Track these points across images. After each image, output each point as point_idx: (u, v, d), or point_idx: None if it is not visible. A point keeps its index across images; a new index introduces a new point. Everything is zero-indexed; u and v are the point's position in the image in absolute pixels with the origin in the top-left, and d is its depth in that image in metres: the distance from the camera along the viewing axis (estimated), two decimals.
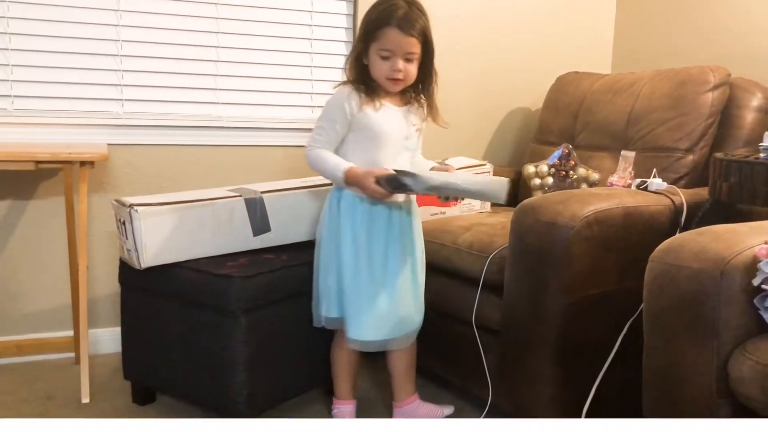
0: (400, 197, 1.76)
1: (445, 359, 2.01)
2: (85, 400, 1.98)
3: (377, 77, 1.70)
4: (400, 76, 1.68)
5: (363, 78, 1.71)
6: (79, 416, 1.89)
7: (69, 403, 1.97)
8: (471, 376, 1.91)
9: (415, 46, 1.67)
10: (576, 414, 1.71)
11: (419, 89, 1.77)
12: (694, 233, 1.29)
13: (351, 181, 1.68)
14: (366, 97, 1.70)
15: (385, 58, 1.67)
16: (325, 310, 1.78)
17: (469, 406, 2.01)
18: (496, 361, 1.82)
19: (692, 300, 1.17)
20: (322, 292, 1.79)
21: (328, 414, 1.94)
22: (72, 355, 2.28)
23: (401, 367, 1.87)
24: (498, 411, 1.87)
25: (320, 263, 1.79)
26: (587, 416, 1.72)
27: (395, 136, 1.75)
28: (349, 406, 1.89)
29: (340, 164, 1.70)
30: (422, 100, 1.78)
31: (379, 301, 1.72)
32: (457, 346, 1.94)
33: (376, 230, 1.74)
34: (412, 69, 1.70)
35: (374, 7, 1.69)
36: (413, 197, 1.82)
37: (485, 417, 1.90)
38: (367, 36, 1.68)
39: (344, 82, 1.74)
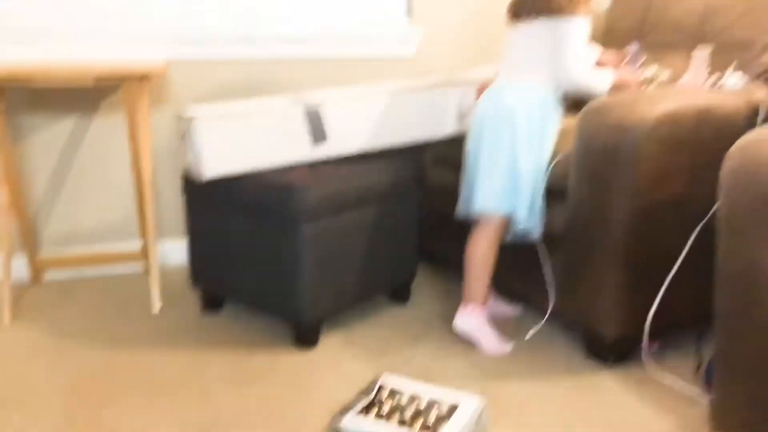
0: None
1: (507, 267, 1.99)
2: (156, 308, 2.06)
3: None
4: None
5: None
6: (153, 323, 1.97)
7: (141, 312, 2.05)
8: (533, 283, 1.89)
9: None
10: (640, 321, 1.69)
11: None
12: None
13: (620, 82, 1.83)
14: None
15: None
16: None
17: (531, 313, 2.01)
18: (559, 268, 1.80)
19: None
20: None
21: (393, 323, 1.97)
22: (139, 266, 2.36)
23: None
24: (559, 318, 1.87)
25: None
26: (652, 324, 1.69)
27: None
28: (487, 312, 1.87)
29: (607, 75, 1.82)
30: None
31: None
32: (518, 253, 1.91)
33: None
34: None
35: None
36: None
37: (547, 324, 1.90)
38: None
39: None
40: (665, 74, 1.97)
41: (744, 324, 1.18)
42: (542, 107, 1.78)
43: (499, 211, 1.77)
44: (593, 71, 1.80)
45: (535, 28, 1.77)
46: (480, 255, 1.82)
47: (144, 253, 2.30)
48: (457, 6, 2.63)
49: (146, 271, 2.32)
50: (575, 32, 1.74)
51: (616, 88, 1.79)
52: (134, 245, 2.37)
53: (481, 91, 1.90)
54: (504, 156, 1.74)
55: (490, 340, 1.82)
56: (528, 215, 1.77)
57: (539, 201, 1.77)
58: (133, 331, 1.93)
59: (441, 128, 2.10)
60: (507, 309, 2.03)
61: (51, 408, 1.54)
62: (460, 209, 1.87)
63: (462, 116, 2.09)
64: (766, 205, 1.11)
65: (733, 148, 1.20)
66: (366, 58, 2.53)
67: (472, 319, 1.84)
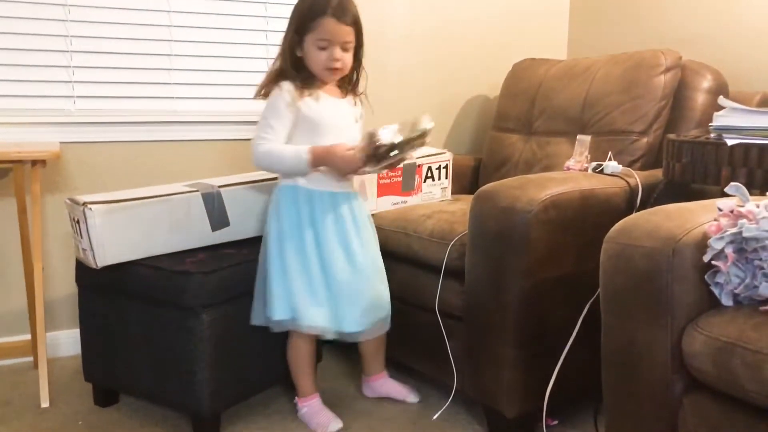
0: (356, 180, 1.82)
1: (410, 347, 2.01)
2: (45, 404, 1.94)
3: (315, 68, 1.72)
4: (339, 65, 1.71)
5: (297, 69, 1.72)
6: (39, 421, 1.85)
7: (28, 408, 1.93)
8: (436, 363, 1.91)
9: (351, 35, 1.70)
10: (539, 398, 1.73)
11: (353, 80, 1.81)
12: (647, 213, 1.31)
13: (319, 159, 1.68)
14: (303, 88, 1.71)
15: (322, 48, 1.69)
16: (281, 312, 1.72)
17: (436, 392, 2.02)
18: (461, 347, 1.83)
19: (646, 278, 1.19)
20: (276, 293, 1.72)
21: (293, 413, 1.93)
22: (30, 359, 2.23)
23: (372, 346, 1.94)
24: (463, 397, 1.89)
25: (279, 262, 1.74)
26: (551, 399, 1.74)
27: (338, 126, 1.76)
28: (316, 400, 1.88)
29: (299, 149, 1.69)
30: (358, 91, 1.82)
31: (360, 291, 1.76)
32: (421, 334, 1.94)
33: (337, 221, 1.77)
34: (349, 58, 1.73)
35: None
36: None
37: (450, 403, 1.91)
38: (302, 27, 1.69)
39: (273, 78, 1.73)
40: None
41: (627, 398, 1.23)
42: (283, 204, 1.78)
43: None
44: (276, 150, 1.71)
45: None
46: (291, 355, 1.86)
47: (33, 345, 2.18)
48: None
49: (35, 364, 2.18)
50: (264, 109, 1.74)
51: (319, 164, 1.71)
52: (24, 337, 2.24)
53: None
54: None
55: (321, 422, 1.83)
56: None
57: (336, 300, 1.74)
58: (19, 428, 1.80)
59: None
60: (403, 391, 1.99)
61: None
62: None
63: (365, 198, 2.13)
64: (642, 287, 1.19)
65: (610, 233, 1.28)
66: None
67: (304, 410, 1.87)
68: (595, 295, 1.72)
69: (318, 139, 1.72)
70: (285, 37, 1.74)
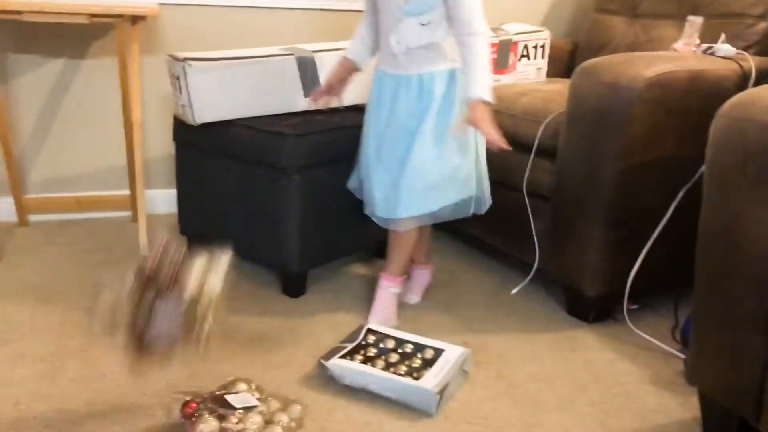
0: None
1: (493, 225, 2.02)
2: (144, 253, 2.06)
3: None
4: None
5: None
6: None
7: (129, 256, 2.05)
8: (518, 242, 1.93)
9: None
10: (622, 281, 1.73)
11: None
12: (763, 88, 1.24)
13: None
14: None
15: None
16: (351, 180, 1.79)
17: (515, 270, 2.04)
18: (545, 226, 1.83)
19: (759, 152, 1.13)
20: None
21: (373, 279, 2.00)
22: (129, 213, 2.36)
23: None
24: (544, 276, 1.90)
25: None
26: (632, 284, 1.73)
27: (390, 6, 1.58)
28: (423, 269, 1.89)
29: (345, 51, 1.76)
30: None
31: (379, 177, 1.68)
32: (505, 213, 1.94)
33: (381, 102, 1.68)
34: None
35: None
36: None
37: (530, 281, 1.93)
38: None
39: None
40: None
41: (723, 277, 1.21)
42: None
43: None
44: None
45: None
46: (390, 233, 1.76)
47: (132, 199, 2.30)
48: None
49: (133, 217, 2.31)
50: None
51: None
52: (122, 192, 2.36)
53: None
54: None
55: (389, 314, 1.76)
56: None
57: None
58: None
59: None
60: (413, 289, 1.90)
61: (42, 341, 1.56)
62: None
63: None
64: (752, 162, 1.14)
65: (725, 106, 1.22)
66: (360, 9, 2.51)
67: (385, 290, 1.78)
68: (692, 181, 1.68)
69: (374, 15, 1.66)
70: None
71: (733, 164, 1.18)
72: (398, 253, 1.75)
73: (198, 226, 2.00)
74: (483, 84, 1.53)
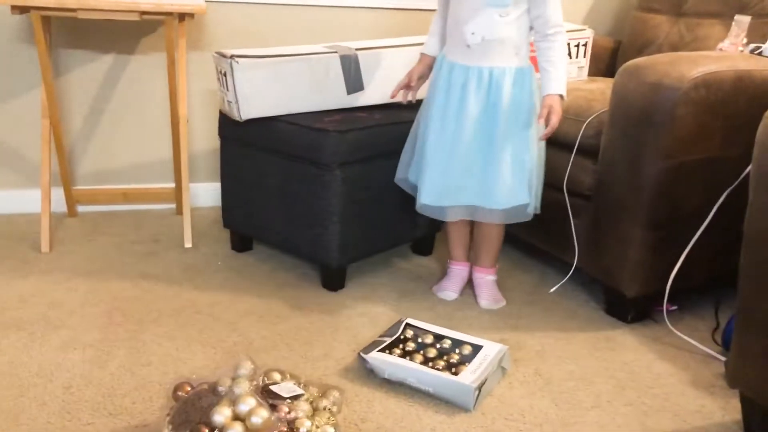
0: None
1: (532, 224, 2.01)
2: (188, 244, 2.11)
3: None
4: None
5: None
6: (184, 258, 2.03)
7: (174, 247, 2.11)
8: (557, 240, 1.93)
9: None
10: (661, 281, 1.72)
11: None
12: None
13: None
14: None
15: None
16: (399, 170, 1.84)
17: (554, 269, 2.05)
18: (584, 225, 1.83)
19: None
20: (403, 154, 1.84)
21: (412, 272, 2.02)
22: (173, 205, 2.42)
23: (480, 234, 1.86)
24: (582, 275, 1.90)
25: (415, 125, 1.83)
26: (672, 285, 1.72)
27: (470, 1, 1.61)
28: (460, 267, 1.91)
29: (423, 47, 1.81)
30: None
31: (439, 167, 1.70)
32: (545, 211, 1.93)
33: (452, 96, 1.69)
34: None
35: None
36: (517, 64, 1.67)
37: (568, 280, 1.93)
38: None
39: None
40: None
41: (767, 281, 1.21)
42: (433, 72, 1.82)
43: None
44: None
45: None
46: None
47: (177, 192, 2.35)
48: None
49: (178, 210, 2.37)
50: None
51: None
52: (167, 184, 2.42)
53: None
54: None
55: (441, 285, 1.92)
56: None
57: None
58: (165, 263, 1.99)
59: None
60: (482, 295, 1.89)
61: (91, 328, 1.61)
62: None
63: None
64: None
65: None
66: (404, 8, 2.53)
67: (449, 270, 1.94)
68: (736, 183, 1.66)
69: (455, 4, 1.67)
70: None
71: None
72: (490, 245, 1.87)
73: (241, 219, 2.05)
74: (562, 80, 1.63)
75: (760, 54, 1.77)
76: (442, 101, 1.70)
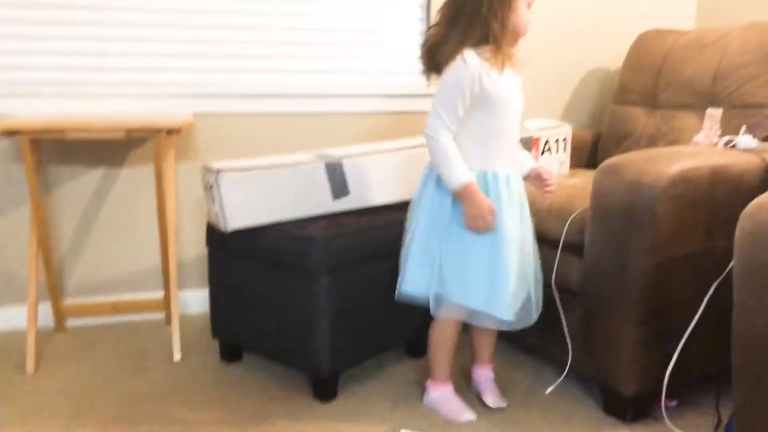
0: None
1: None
2: (177, 357, 2.08)
3: (521, 31, 1.53)
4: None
5: (488, 37, 1.50)
6: (173, 373, 2.00)
7: (162, 360, 2.08)
8: (550, 338, 1.91)
9: None
10: (658, 378, 1.70)
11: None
12: None
13: (466, 198, 1.56)
14: (493, 59, 1.52)
15: (529, 5, 1.53)
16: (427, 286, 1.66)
17: (549, 368, 2.01)
18: (576, 323, 1.81)
19: None
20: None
21: (408, 378, 1.98)
22: (163, 315, 2.40)
23: (479, 332, 1.85)
24: (577, 373, 1.87)
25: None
26: (670, 380, 1.70)
27: (516, 105, 1.62)
28: (450, 388, 1.82)
29: (462, 175, 1.56)
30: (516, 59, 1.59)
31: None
32: None
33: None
34: None
35: None
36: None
37: (564, 379, 1.90)
38: None
39: (457, 47, 1.51)
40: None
41: (761, 381, 1.19)
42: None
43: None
44: (450, 148, 1.57)
45: None
46: (434, 335, 1.78)
47: (166, 302, 2.34)
48: None
49: (167, 320, 2.35)
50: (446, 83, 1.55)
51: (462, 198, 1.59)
52: (156, 294, 2.41)
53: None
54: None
55: (453, 409, 1.77)
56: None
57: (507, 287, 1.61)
58: (154, 380, 1.95)
59: None
60: (495, 395, 1.85)
61: None
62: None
63: None
64: None
65: (748, 208, 1.23)
66: (386, 112, 2.60)
67: (435, 395, 1.81)
68: (722, 275, 1.66)
69: (493, 122, 1.59)
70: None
71: (762, 266, 1.18)
72: (492, 338, 1.84)
73: (230, 329, 2.03)
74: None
75: (733, 147, 1.81)
76: (506, 215, 1.61)
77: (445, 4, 1.58)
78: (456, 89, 1.52)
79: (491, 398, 1.82)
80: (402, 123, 2.60)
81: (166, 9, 2.32)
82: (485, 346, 1.86)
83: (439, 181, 1.63)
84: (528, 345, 2.05)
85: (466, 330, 1.82)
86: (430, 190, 1.67)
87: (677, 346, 1.69)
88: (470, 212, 1.57)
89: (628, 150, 2.35)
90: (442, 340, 1.77)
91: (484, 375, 1.87)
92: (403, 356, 2.11)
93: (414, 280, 1.68)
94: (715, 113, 1.94)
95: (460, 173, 1.56)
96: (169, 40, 2.34)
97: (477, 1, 1.49)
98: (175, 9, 2.32)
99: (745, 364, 1.25)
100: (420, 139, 2.10)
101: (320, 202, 1.95)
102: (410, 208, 1.75)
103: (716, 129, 1.92)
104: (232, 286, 1.98)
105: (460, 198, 1.58)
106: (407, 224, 1.74)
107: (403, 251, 1.72)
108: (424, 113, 2.51)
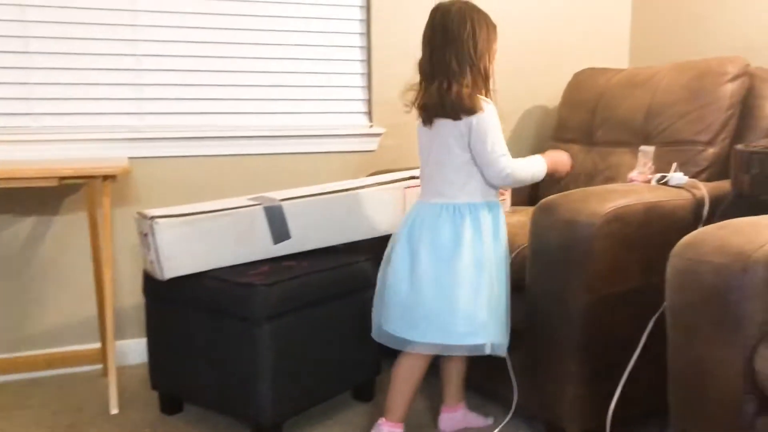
0: None
1: (470, 360, 2.00)
2: (114, 411, 2.00)
3: (491, 82, 1.71)
4: None
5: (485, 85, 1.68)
6: (110, 427, 1.92)
7: (99, 414, 2.00)
8: (496, 376, 1.90)
9: None
10: (603, 414, 1.70)
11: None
12: (715, 227, 1.27)
13: (552, 166, 1.77)
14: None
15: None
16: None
17: (495, 407, 2.00)
18: (521, 361, 1.81)
19: (715, 295, 1.16)
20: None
21: (354, 424, 1.95)
22: (100, 366, 2.31)
23: (458, 369, 1.87)
24: (524, 411, 1.86)
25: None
26: (615, 416, 1.70)
27: None
28: (402, 430, 1.77)
29: (540, 163, 1.75)
30: None
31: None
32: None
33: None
34: None
35: (477, 11, 1.67)
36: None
37: (511, 418, 1.89)
38: (491, 39, 1.68)
39: (472, 93, 1.63)
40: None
41: (695, 418, 1.20)
42: (475, 220, 1.67)
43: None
44: (521, 161, 1.70)
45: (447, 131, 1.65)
46: (402, 373, 1.73)
47: (103, 354, 2.26)
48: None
49: (104, 371, 2.26)
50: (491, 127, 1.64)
51: (551, 171, 1.77)
52: (94, 345, 2.32)
53: None
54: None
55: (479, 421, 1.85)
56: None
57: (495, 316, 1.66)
58: None
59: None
60: (479, 420, 1.93)
61: None
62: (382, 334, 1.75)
63: None
64: (710, 304, 1.16)
65: (676, 247, 1.25)
66: (328, 152, 2.59)
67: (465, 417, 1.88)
68: (660, 310, 1.68)
69: None
70: (480, 46, 1.65)
71: (692, 305, 1.20)
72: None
73: (170, 380, 1.96)
74: None
75: (666, 184, 1.85)
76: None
77: (436, 56, 1.65)
78: (498, 127, 1.65)
79: (481, 419, 1.90)
80: (346, 163, 2.60)
81: (98, 53, 2.29)
82: (458, 382, 1.88)
83: (480, 230, 1.64)
84: (474, 384, 2.04)
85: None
86: (467, 248, 1.63)
87: (619, 382, 1.70)
88: (561, 169, 1.82)
89: (567, 186, 2.38)
90: (410, 375, 1.73)
91: (458, 416, 1.89)
92: (350, 401, 2.07)
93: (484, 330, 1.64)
94: (648, 150, 1.98)
95: (538, 163, 1.75)
96: (103, 83, 2.30)
97: (477, 53, 1.65)
98: (107, 53, 2.30)
99: (682, 401, 1.26)
100: (363, 180, 2.12)
101: (261, 246, 1.92)
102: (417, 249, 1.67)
103: (650, 166, 1.97)
104: (171, 335, 1.92)
105: (549, 173, 1.77)
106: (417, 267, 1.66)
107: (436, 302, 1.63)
108: (367, 152, 2.53)
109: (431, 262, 1.63)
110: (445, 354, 1.74)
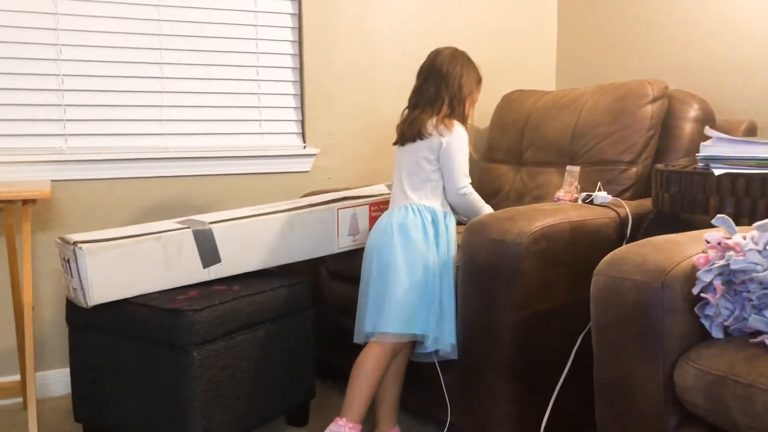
0: None
1: (405, 380, 1.99)
2: None
3: (467, 118, 1.96)
4: None
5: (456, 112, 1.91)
6: None
7: None
8: (429, 396, 1.90)
9: None
10: (535, 429, 1.72)
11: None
12: (635, 245, 1.31)
13: None
14: None
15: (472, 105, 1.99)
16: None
17: (429, 426, 2.00)
18: (454, 380, 1.82)
19: (637, 311, 1.19)
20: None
21: None
22: (20, 399, 2.20)
23: (395, 391, 1.88)
24: (458, 431, 1.87)
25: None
26: (546, 430, 1.72)
27: None
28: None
29: (490, 208, 1.98)
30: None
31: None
32: (413, 367, 1.93)
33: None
34: None
35: (468, 59, 1.99)
36: None
37: None
38: (475, 87, 1.98)
39: (447, 119, 1.87)
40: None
41: (621, 431, 1.23)
42: (434, 224, 1.85)
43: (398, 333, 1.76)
44: (478, 196, 1.97)
45: (418, 149, 1.89)
46: (367, 370, 1.77)
47: (23, 386, 2.15)
48: (346, 128, 2.72)
49: (24, 404, 2.16)
50: (460, 148, 1.89)
51: None
52: (13, 378, 2.22)
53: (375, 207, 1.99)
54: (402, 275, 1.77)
55: None
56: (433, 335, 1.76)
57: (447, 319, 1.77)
58: None
59: (334, 244, 2.13)
60: None
61: None
62: (358, 335, 1.87)
63: (354, 233, 2.14)
64: (632, 320, 1.19)
65: (600, 265, 1.29)
66: (261, 173, 2.56)
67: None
68: (588, 327, 1.71)
69: None
70: (465, 89, 1.93)
71: (616, 322, 1.23)
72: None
73: (95, 411, 1.88)
74: None
75: (591, 202, 1.90)
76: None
77: (422, 88, 1.95)
78: (466, 151, 1.91)
79: None
80: (279, 184, 2.58)
81: (20, 73, 2.21)
82: (394, 403, 1.88)
83: (438, 234, 1.83)
84: (408, 405, 2.03)
85: None
86: (422, 242, 1.80)
87: (551, 398, 1.72)
88: None
89: (498, 205, 2.42)
90: (374, 368, 1.76)
91: None
92: (283, 427, 2.03)
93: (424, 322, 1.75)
94: (574, 170, 2.04)
95: (488, 209, 1.96)
96: (25, 104, 2.22)
97: (459, 88, 1.92)
98: (29, 72, 2.22)
99: (609, 416, 1.28)
100: (296, 201, 2.10)
101: (190, 271, 1.88)
102: (375, 259, 1.84)
103: (576, 185, 2.02)
104: (96, 365, 1.85)
105: None
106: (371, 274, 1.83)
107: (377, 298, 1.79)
108: (300, 174, 2.52)
109: (403, 256, 1.78)
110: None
